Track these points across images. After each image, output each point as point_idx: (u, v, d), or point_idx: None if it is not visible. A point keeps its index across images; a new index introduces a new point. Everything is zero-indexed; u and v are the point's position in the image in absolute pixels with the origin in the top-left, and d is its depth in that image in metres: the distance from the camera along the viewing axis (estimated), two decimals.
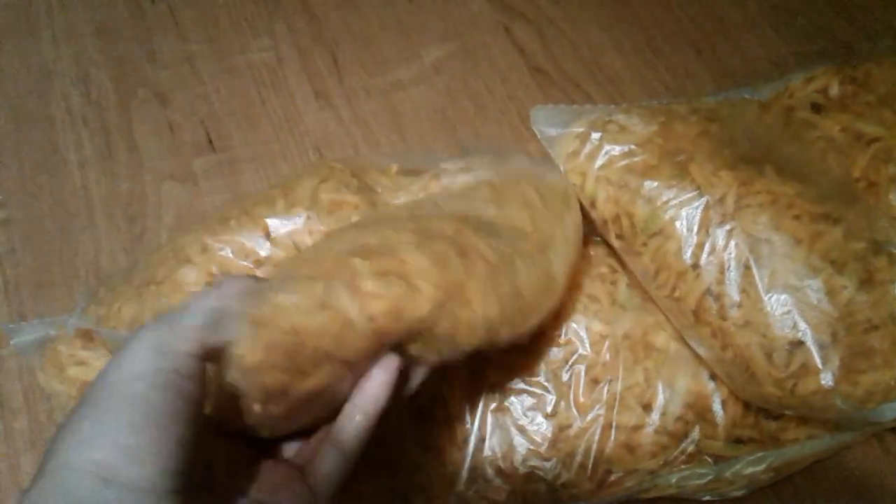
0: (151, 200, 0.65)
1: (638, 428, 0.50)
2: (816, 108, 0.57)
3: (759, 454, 0.50)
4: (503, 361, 0.51)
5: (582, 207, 0.54)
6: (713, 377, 0.50)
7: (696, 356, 0.50)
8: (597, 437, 0.50)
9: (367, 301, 0.37)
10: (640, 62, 0.73)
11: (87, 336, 0.53)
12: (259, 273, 0.49)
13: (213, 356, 0.34)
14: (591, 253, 0.55)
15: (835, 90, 0.57)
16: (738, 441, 0.50)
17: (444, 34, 0.74)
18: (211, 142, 0.68)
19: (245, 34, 0.74)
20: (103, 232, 0.64)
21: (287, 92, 0.71)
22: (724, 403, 0.50)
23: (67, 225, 0.64)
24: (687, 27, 0.75)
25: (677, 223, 0.48)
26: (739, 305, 0.46)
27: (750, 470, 0.50)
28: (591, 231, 0.56)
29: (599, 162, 0.51)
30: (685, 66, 0.73)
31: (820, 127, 0.55)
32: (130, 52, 0.73)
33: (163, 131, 0.69)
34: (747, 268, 0.46)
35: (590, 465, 0.50)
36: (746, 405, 0.50)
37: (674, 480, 0.50)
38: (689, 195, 0.49)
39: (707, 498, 0.52)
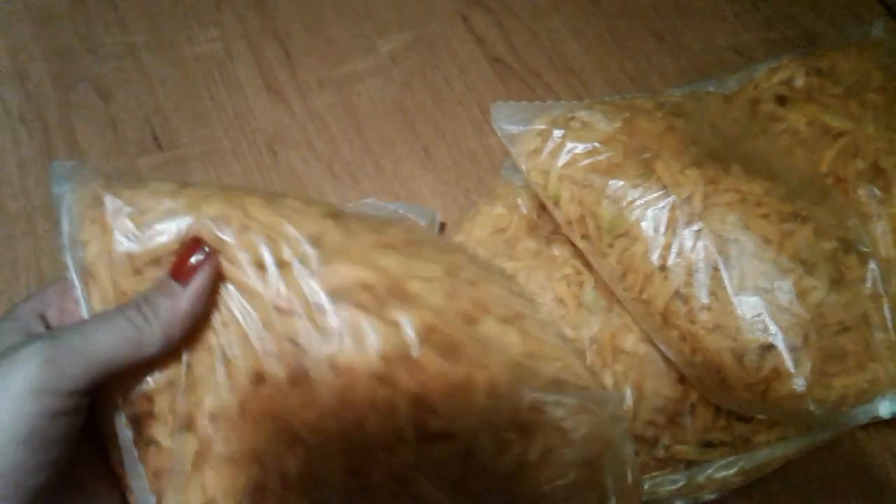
0: None
1: None
2: (782, 100, 0.55)
3: (731, 458, 0.49)
4: None
5: (546, 207, 0.52)
6: (683, 380, 0.49)
7: (666, 359, 0.49)
8: None
9: None
10: (601, 51, 0.71)
11: None
12: None
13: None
14: (556, 253, 0.53)
15: (800, 82, 0.56)
16: (710, 445, 0.49)
17: (400, 24, 0.71)
18: (157, 139, 0.65)
19: (192, 25, 0.70)
20: (45, 237, 0.60)
21: (237, 86, 0.68)
22: (694, 407, 0.49)
23: (7, 229, 0.60)
24: (649, 15, 0.73)
25: (643, 224, 0.47)
26: (709, 308, 0.45)
27: (721, 474, 0.49)
28: (556, 230, 0.55)
29: (562, 160, 0.49)
30: (647, 55, 0.71)
31: (786, 120, 0.54)
32: (70, 45, 0.69)
33: (106, 129, 0.65)
34: (716, 269, 0.45)
35: None
36: (717, 408, 0.49)
37: (646, 487, 0.49)
38: (656, 195, 0.47)
39: (679, 503, 0.50)
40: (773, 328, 0.44)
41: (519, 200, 0.56)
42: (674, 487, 0.49)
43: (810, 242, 0.46)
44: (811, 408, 0.44)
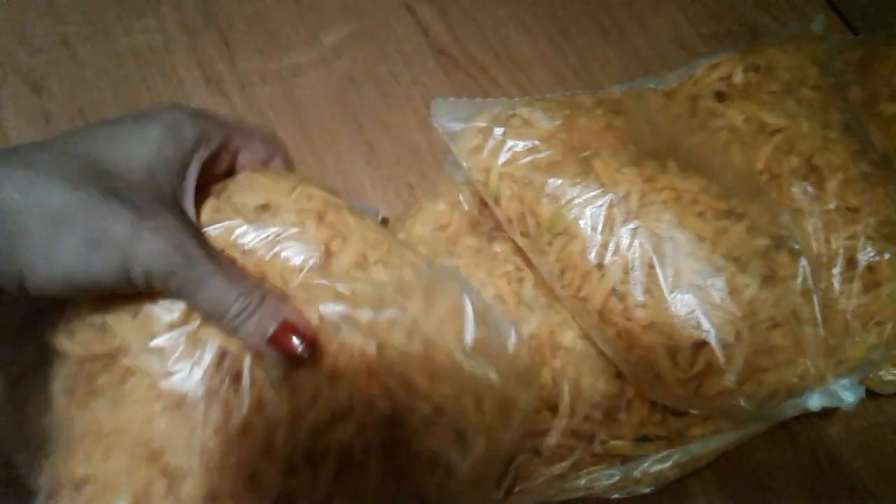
0: None
1: (545, 431, 0.49)
2: (720, 96, 0.56)
3: (666, 452, 0.49)
4: None
5: (487, 204, 0.52)
6: (619, 376, 0.49)
7: (603, 355, 0.50)
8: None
9: None
10: (547, 45, 0.71)
11: None
12: None
13: None
14: (498, 250, 0.53)
15: (738, 78, 0.56)
16: (645, 439, 0.49)
17: (343, 14, 0.71)
18: None
19: (128, 14, 0.68)
20: None
21: (175, 77, 0.66)
22: (630, 402, 0.49)
23: None
24: (595, 8, 0.73)
25: (581, 222, 0.47)
26: (644, 306, 0.45)
27: (657, 468, 0.49)
28: (497, 227, 0.55)
29: (503, 158, 0.49)
30: (592, 49, 0.71)
31: (724, 116, 0.54)
32: (0, 35, 0.67)
33: (37, 122, 0.63)
34: (651, 267, 0.45)
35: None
36: (653, 404, 0.49)
37: (583, 483, 0.49)
38: (593, 193, 0.47)
39: (616, 496, 0.51)
40: (706, 325, 0.44)
41: (461, 197, 0.56)
42: (610, 482, 0.49)
43: (743, 240, 0.46)
44: (742, 403, 0.45)
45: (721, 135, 0.54)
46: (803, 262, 0.47)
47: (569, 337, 0.50)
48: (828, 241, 0.50)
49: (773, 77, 0.56)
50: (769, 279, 0.46)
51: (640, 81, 0.58)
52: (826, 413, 0.54)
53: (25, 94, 0.64)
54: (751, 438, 0.53)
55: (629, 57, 0.71)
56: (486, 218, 0.55)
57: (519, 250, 0.53)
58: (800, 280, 0.47)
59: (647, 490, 0.51)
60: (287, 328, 0.38)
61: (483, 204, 0.56)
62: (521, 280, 0.52)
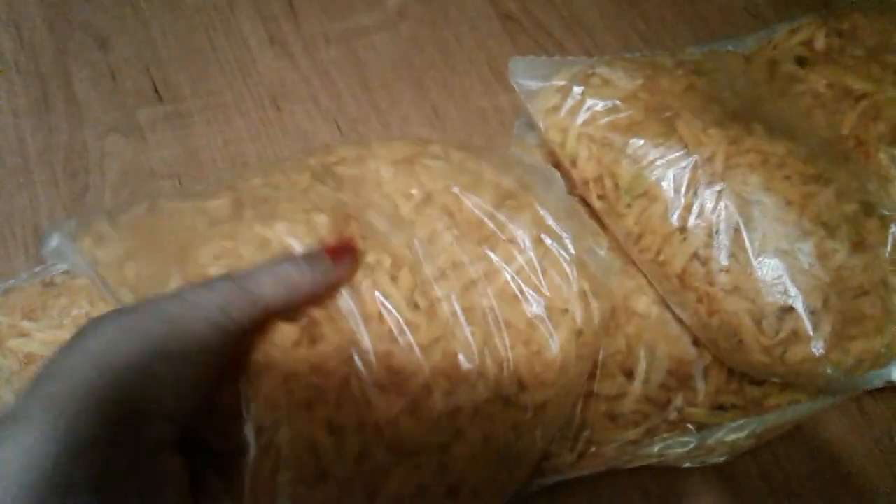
0: (93, 155, 0.60)
1: (620, 396, 0.48)
2: (801, 61, 0.54)
3: (742, 421, 0.48)
4: None
5: (562, 166, 0.51)
6: (696, 343, 0.49)
7: (679, 322, 0.49)
8: (578, 407, 0.48)
9: None
10: (613, 9, 0.69)
11: (30, 307, 0.49)
12: None
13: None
14: None
15: (820, 43, 0.55)
16: (721, 408, 0.49)
17: None
18: (157, 91, 0.63)
19: None
20: (41, 189, 0.59)
21: (240, 37, 0.66)
22: (707, 370, 0.48)
23: (2, 181, 0.59)
24: None
25: (664, 184, 0.46)
26: (728, 270, 0.44)
27: (732, 437, 0.49)
28: (570, 190, 0.54)
29: (581, 118, 0.48)
30: (660, 15, 0.69)
31: (806, 81, 0.53)
32: None
33: (104, 79, 0.63)
34: (737, 231, 0.44)
35: (571, 436, 0.48)
36: (730, 371, 0.48)
37: (656, 450, 0.48)
38: (677, 154, 0.46)
39: (688, 465, 0.50)
40: (792, 291, 0.43)
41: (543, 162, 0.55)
42: (684, 450, 0.49)
43: (832, 205, 0.45)
44: (828, 371, 0.43)
45: (803, 100, 0.52)
46: (893, 228, 0.46)
47: (643, 302, 0.50)
48: None
49: (857, 42, 0.55)
50: (858, 245, 0.45)
51: (718, 44, 0.57)
52: None
53: (91, 51, 0.64)
54: (822, 412, 0.52)
55: (697, 23, 0.69)
56: None
57: (592, 214, 0.52)
58: (889, 247, 0.46)
59: (721, 460, 0.50)
60: (329, 249, 0.38)
61: (555, 167, 0.55)
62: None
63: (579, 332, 0.43)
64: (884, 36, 0.54)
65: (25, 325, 0.49)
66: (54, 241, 0.42)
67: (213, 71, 0.64)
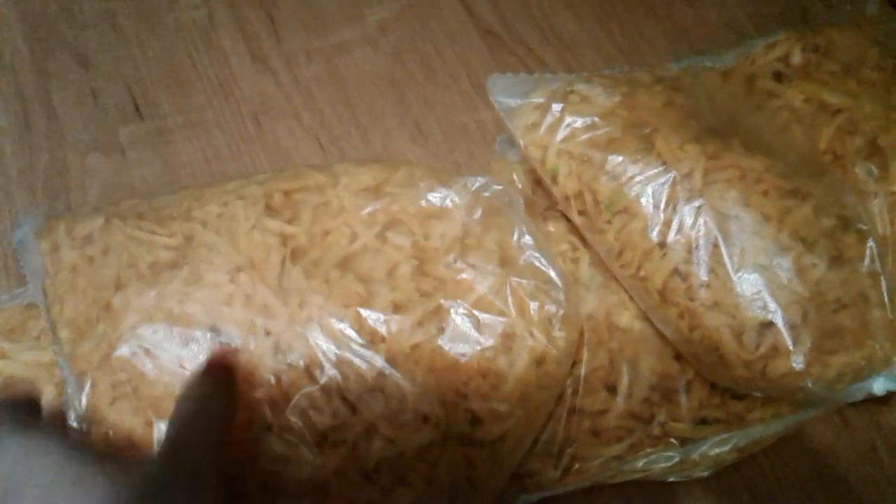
0: (74, 174, 0.60)
1: (603, 412, 0.48)
2: (778, 76, 0.55)
3: (725, 435, 0.49)
4: None
5: (543, 183, 0.51)
6: (678, 357, 0.49)
7: (662, 336, 0.49)
8: (562, 424, 0.48)
9: None
10: (594, 24, 0.70)
11: (10, 327, 0.49)
12: None
13: None
14: (552, 230, 0.53)
15: (797, 58, 0.55)
16: (704, 422, 0.49)
17: None
18: (138, 109, 0.63)
19: None
20: (22, 209, 0.58)
21: (221, 54, 0.66)
22: (689, 384, 0.49)
23: None
24: None
25: (643, 200, 0.46)
26: (708, 285, 0.45)
27: (716, 451, 0.49)
28: (551, 206, 0.54)
29: (561, 135, 0.49)
30: (640, 29, 0.70)
31: (783, 97, 0.54)
32: (46, 10, 0.66)
33: (85, 98, 0.63)
34: (716, 246, 0.45)
35: (555, 453, 0.48)
36: (712, 386, 0.49)
37: (640, 465, 0.49)
38: (656, 170, 0.46)
39: (672, 479, 0.50)
40: (772, 305, 0.44)
41: (514, 176, 0.55)
42: (668, 465, 0.49)
43: (810, 220, 0.46)
44: (809, 385, 0.44)
45: (780, 115, 0.53)
46: (870, 242, 0.46)
47: (626, 318, 0.50)
48: (893, 224, 0.49)
49: (833, 57, 0.55)
50: (837, 260, 0.45)
51: (696, 60, 0.57)
52: (883, 398, 0.53)
53: (72, 69, 0.63)
54: (805, 424, 0.53)
55: (677, 37, 0.70)
56: (539, 197, 0.54)
57: (574, 229, 0.52)
58: (867, 261, 0.46)
59: (705, 474, 0.50)
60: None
61: (536, 183, 0.55)
62: (576, 260, 0.52)
63: (540, 362, 0.43)
64: (859, 51, 0.55)
65: (5, 346, 0.48)
66: (21, 232, 0.44)
67: (194, 88, 0.64)
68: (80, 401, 0.41)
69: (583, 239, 0.52)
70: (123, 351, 0.41)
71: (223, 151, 0.62)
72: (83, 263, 0.44)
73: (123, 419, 0.39)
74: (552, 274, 0.45)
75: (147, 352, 0.41)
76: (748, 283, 0.44)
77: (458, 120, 0.64)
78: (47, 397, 0.46)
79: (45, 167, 0.60)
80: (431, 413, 0.40)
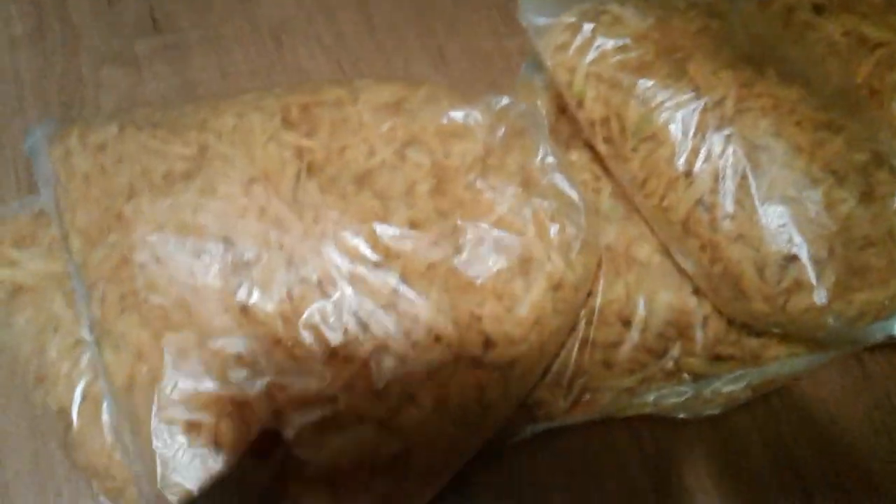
0: (89, 85, 0.59)
1: (616, 344, 0.47)
2: (818, 8, 0.53)
3: (739, 372, 0.48)
4: None
5: (567, 110, 0.50)
6: (696, 292, 0.48)
7: (680, 271, 0.48)
8: (574, 354, 0.47)
9: None
10: None
11: (20, 235, 0.48)
12: None
13: None
14: (574, 159, 0.51)
15: None
16: (719, 359, 0.48)
17: None
18: (155, 21, 0.62)
19: None
20: (35, 117, 0.57)
21: None
22: (706, 320, 0.48)
23: None
24: None
25: (672, 126, 0.45)
26: (733, 217, 0.43)
27: (729, 388, 0.48)
28: (574, 135, 0.53)
29: (590, 56, 0.47)
30: None
31: (821, 29, 0.52)
32: None
33: (101, 8, 0.61)
34: (744, 177, 0.43)
35: (565, 383, 0.47)
36: (729, 322, 0.48)
37: (651, 399, 0.48)
38: (687, 96, 0.45)
39: (682, 416, 0.50)
40: (798, 239, 0.42)
41: (538, 103, 0.54)
42: (679, 400, 0.48)
43: (842, 154, 0.44)
44: (830, 321, 0.43)
45: (818, 47, 0.51)
46: None
47: (645, 251, 0.49)
48: None
49: None
50: (867, 196, 0.44)
51: None
52: None
53: None
54: (821, 368, 0.52)
55: None
56: (562, 126, 0.53)
57: (596, 159, 0.51)
58: None
59: (716, 412, 0.49)
60: None
61: (560, 111, 0.54)
62: (598, 190, 0.51)
63: (557, 287, 0.43)
64: None
65: (14, 254, 0.48)
66: (33, 137, 0.43)
67: (213, 2, 0.63)
68: (91, 311, 0.40)
69: (605, 169, 0.51)
70: (134, 260, 0.40)
71: (241, 68, 0.60)
72: (96, 172, 0.43)
73: (132, 332, 0.39)
74: (574, 197, 0.44)
75: (158, 261, 0.40)
76: (774, 216, 0.43)
77: (483, 47, 0.62)
78: (57, 308, 0.46)
79: (59, 77, 0.59)
80: (444, 333, 0.39)
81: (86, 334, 0.44)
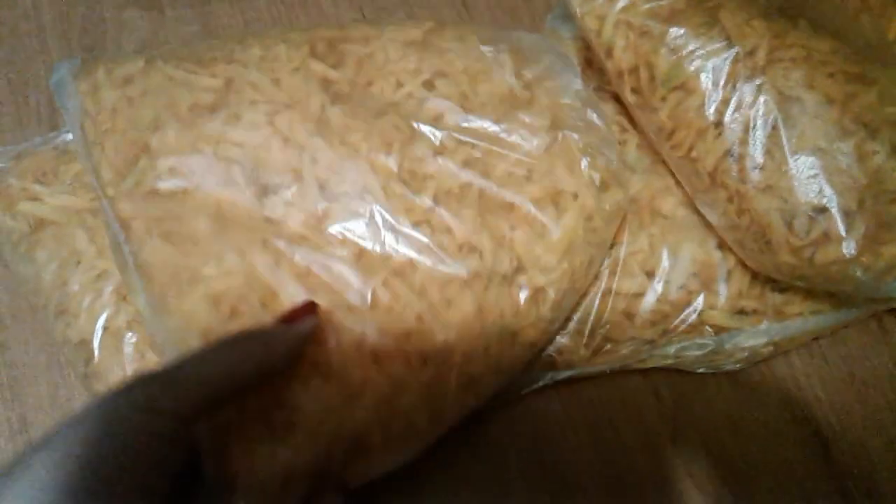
0: (111, 27, 0.58)
1: (639, 295, 0.47)
2: None
3: (762, 327, 0.48)
4: None
5: (594, 61, 0.49)
6: (720, 246, 0.48)
7: (704, 224, 0.48)
8: (596, 303, 0.47)
9: None
10: None
11: (42, 171, 0.48)
12: None
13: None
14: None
15: None
16: (742, 313, 0.48)
17: None
18: None
19: None
20: (57, 57, 0.57)
21: None
22: (730, 273, 0.48)
23: (17, 50, 0.57)
24: None
25: (702, 76, 0.44)
26: (762, 168, 0.43)
27: (750, 342, 0.48)
28: (600, 87, 0.52)
29: (620, 4, 0.47)
30: None
31: None
32: None
33: None
34: (774, 127, 0.43)
35: (587, 332, 0.47)
36: (753, 276, 0.48)
37: (672, 351, 0.48)
38: (718, 45, 0.44)
39: (702, 370, 0.50)
40: (827, 190, 0.42)
41: (561, 49, 0.53)
42: (700, 353, 0.48)
43: (874, 106, 0.44)
44: (857, 273, 0.42)
45: (850, 3, 0.50)
46: None
47: (670, 203, 0.49)
48: None
49: None
50: None
51: None
52: None
53: None
54: (842, 327, 0.52)
55: None
56: (589, 77, 0.53)
57: (623, 111, 0.51)
58: None
59: (736, 367, 0.49)
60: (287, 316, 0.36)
61: (587, 63, 0.53)
62: (624, 142, 0.50)
63: (588, 218, 0.43)
64: None
65: (37, 188, 0.48)
66: (58, 73, 0.42)
67: None
68: (123, 244, 0.40)
69: (631, 121, 0.50)
70: (161, 188, 0.40)
71: (264, 15, 0.60)
72: (123, 105, 0.42)
73: (162, 260, 0.38)
74: (605, 131, 0.44)
75: (185, 191, 0.40)
76: (805, 167, 0.42)
77: None
78: (79, 243, 0.46)
79: (81, 18, 0.58)
80: (479, 245, 0.39)
81: (112, 267, 0.44)
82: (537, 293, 0.41)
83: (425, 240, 0.38)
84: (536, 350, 0.43)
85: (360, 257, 0.38)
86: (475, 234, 0.39)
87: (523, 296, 0.40)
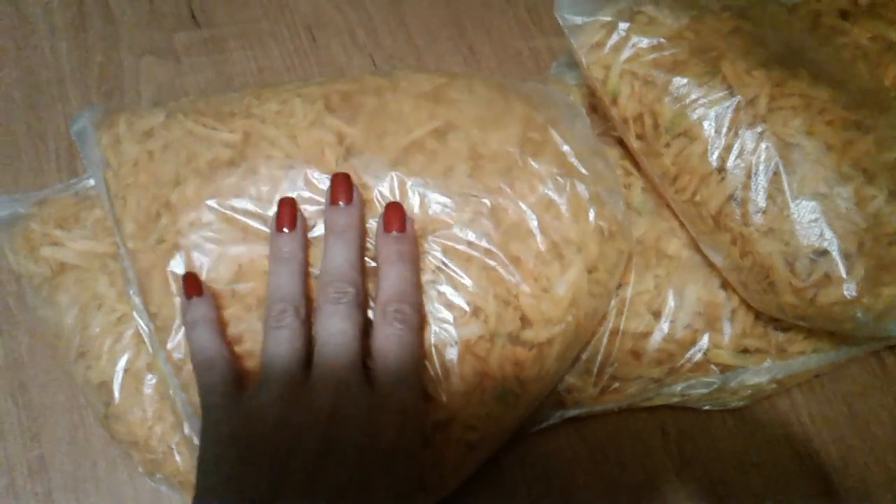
0: (129, 75, 0.60)
1: (646, 335, 0.48)
2: (845, 14, 0.54)
3: (766, 365, 0.49)
4: None
5: (599, 108, 0.51)
6: (724, 286, 0.49)
7: (709, 264, 0.49)
8: (604, 343, 0.48)
9: None
10: None
11: (63, 216, 0.49)
12: None
13: None
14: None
15: None
16: (746, 351, 0.49)
17: None
18: (194, 16, 0.63)
19: None
20: (76, 106, 0.59)
21: None
22: (734, 313, 0.49)
23: (36, 96, 0.59)
24: None
25: (705, 123, 0.46)
26: (764, 211, 0.44)
27: (754, 380, 0.49)
28: (605, 132, 0.54)
29: (625, 55, 0.48)
30: None
31: (849, 34, 0.53)
32: None
33: (141, 2, 0.63)
34: (776, 173, 0.44)
35: (595, 371, 0.48)
36: (756, 315, 0.49)
37: (678, 389, 0.49)
38: (720, 94, 0.46)
39: (707, 407, 0.51)
40: (828, 234, 0.43)
41: (570, 99, 0.55)
42: (706, 391, 0.49)
43: (872, 152, 0.45)
44: (858, 315, 0.44)
45: (846, 51, 0.52)
46: None
47: (674, 245, 0.50)
48: None
49: None
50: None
51: None
52: None
53: None
54: (843, 364, 0.53)
55: None
56: (594, 122, 0.54)
57: (628, 155, 0.52)
58: None
59: (741, 404, 0.51)
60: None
61: (592, 109, 0.55)
62: (629, 185, 0.52)
63: (592, 270, 0.44)
64: None
65: (59, 233, 0.49)
66: (80, 122, 0.44)
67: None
68: (139, 298, 0.41)
69: (636, 165, 0.52)
70: (183, 245, 0.41)
71: (276, 63, 0.62)
72: (144, 159, 0.44)
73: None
74: (612, 181, 0.45)
75: (205, 248, 0.41)
76: (806, 211, 0.44)
77: (513, 46, 0.64)
78: (100, 287, 0.47)
79: (99, 65, 0.60)
80: (483, 306, 0.40)
81: (132, 313, 0.45)
82: (544, 345, 0.42)
83: (433, 300, 0.40)
84: (538, 403, 0.45)
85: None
86: (480, 296, 0.40)
87: (531, 354, 0.41)
